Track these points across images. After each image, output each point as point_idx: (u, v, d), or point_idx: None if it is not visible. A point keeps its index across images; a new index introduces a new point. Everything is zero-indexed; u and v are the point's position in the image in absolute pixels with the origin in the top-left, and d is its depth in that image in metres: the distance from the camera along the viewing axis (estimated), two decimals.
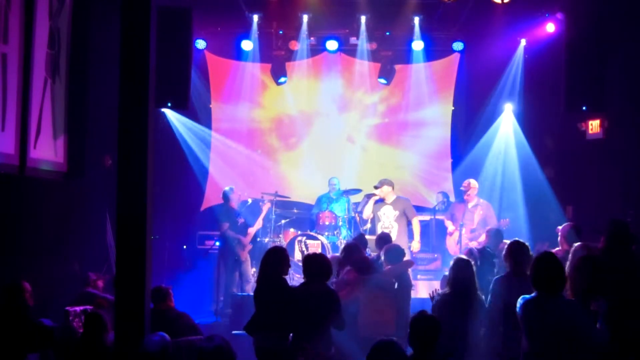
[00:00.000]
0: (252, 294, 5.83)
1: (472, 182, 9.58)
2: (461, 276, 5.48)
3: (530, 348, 4.50)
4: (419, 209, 10.67)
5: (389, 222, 9.19)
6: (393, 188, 9.34)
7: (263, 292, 5.56)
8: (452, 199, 11.14)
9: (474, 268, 5.59)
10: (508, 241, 5.87)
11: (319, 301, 5.36)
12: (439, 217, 10.31)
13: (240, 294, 9.21)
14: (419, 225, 9.41)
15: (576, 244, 5.88)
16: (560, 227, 6.86)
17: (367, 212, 9.35)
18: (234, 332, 8.20)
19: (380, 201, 9.28)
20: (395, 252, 6.68)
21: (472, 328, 5.41)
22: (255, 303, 5.61)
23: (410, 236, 9.25)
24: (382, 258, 6.65)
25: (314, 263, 5.56)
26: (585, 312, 4.56)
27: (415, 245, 9.22)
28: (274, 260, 5.59)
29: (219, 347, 3.84)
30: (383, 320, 6.00)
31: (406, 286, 6.61)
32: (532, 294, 4.58)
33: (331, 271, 5.65)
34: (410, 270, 7.01)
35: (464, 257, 5.79)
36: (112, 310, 5.27)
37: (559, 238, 6.76)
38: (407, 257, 8.95)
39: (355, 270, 6.25)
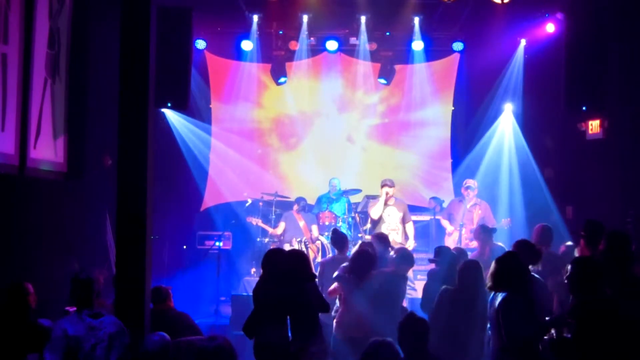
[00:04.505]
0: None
1: (476, 182, 9.66)
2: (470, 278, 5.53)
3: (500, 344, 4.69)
4: (419, 209, 10.70)
5: (395, 223, 9.16)
6: None
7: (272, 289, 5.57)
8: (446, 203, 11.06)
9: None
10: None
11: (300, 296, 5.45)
12: (439, 217, 10.30)
13: (240, 294, 9.22)
14: (413, 228, 9.44)
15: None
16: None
17: (378, 213, 9.17)
18: (234, 332, 8.21)
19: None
20: (406, 257, 6.52)
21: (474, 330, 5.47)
22: (258, 300, 5.62)
23: (406, 237, 9.28)
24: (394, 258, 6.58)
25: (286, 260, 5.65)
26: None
27: (412, 243, 9.25)
28: (298, 262, 5.65)
29: (221, 346, 3.84)
30: (361, 322, 5.89)
31: (397, 291, 6.34)
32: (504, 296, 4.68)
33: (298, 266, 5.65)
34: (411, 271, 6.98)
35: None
36: (111, 310, 5.27)
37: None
38: None
39: (348, 271, 6.23)
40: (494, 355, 4.76)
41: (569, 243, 7.11)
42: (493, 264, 4.87)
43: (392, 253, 6.57)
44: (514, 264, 4.75)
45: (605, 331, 4.36)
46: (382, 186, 9.19)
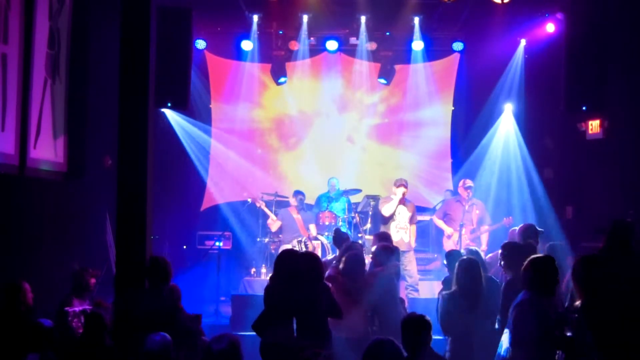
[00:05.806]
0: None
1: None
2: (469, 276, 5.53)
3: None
4: (420, 209, 10.68)
5: (404, 222, 9.17)
6: None
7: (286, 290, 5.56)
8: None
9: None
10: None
11: (311, 298, 5.43)
12: (432, 217, 10.27)
13: (240, 294, 9.22)
14: (415, 232, 9.45)
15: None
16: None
17: (390, 210, 9.10)
18: (234, 332, 8.21)
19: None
20: (385, 252, 6.55)
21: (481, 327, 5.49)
22: (269, 300, 5.61)
23: None
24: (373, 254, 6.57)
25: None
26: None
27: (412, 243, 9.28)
28: (311, 264, 5.62)
29: (228, 347, 3.84)
30: (356, 323, 5.86)
31: (388, 290, 6.24)
32: (526, 295, 4.67)
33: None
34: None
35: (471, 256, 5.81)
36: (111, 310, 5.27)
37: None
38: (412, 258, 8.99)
39: (341, 273, 6.21)
40: (507, 353, 4.77)
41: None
42: (525, 264, 4.86)
43: (373, 251, 6.60)
44: (541, 267, 4.72)
45: (616, 327, 4.38)
46: (399, 186, 9.15)
